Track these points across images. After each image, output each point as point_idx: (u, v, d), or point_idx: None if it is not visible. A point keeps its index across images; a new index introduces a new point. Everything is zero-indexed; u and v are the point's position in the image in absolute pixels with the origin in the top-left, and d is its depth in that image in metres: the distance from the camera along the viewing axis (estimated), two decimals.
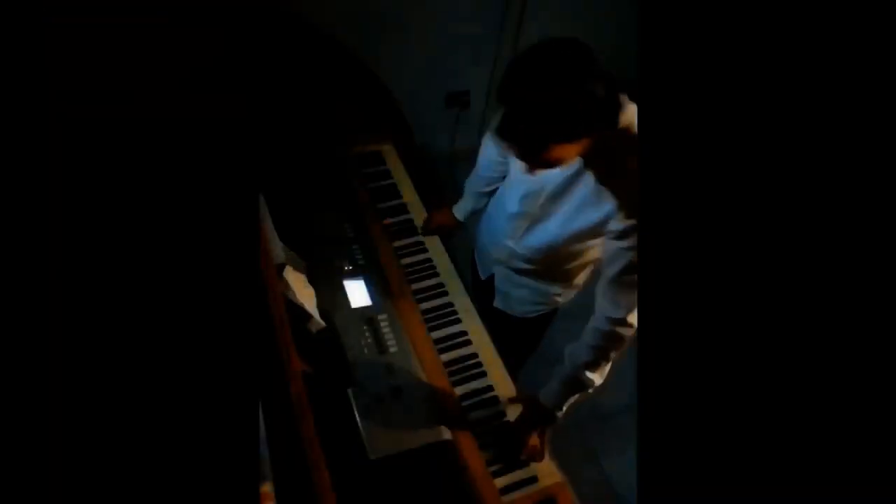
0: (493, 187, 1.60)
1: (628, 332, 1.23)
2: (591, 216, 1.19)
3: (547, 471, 1.35)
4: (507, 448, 1.37)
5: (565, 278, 1.47)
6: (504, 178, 1.52)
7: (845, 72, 0.57)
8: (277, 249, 1.37)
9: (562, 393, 1.32)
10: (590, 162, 1.15)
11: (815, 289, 0.59)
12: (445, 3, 2.38)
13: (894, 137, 0.56)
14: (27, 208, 0.59)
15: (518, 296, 1.53)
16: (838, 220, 0.58)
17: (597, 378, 1.29)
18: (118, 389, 0.60)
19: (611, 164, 1.13)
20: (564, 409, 1.35)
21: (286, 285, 1.35)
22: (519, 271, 1.46)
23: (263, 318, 1.14)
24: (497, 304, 1.59)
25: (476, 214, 1.69)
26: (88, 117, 0.62)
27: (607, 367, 1.30)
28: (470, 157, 1.66)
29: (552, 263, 1.40)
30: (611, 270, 1.21)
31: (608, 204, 1.15)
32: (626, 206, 1.12)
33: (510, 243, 1.42)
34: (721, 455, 0.62)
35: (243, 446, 0.66)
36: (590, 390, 1.31)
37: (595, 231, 1.21)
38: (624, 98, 1.08)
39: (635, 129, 1.10)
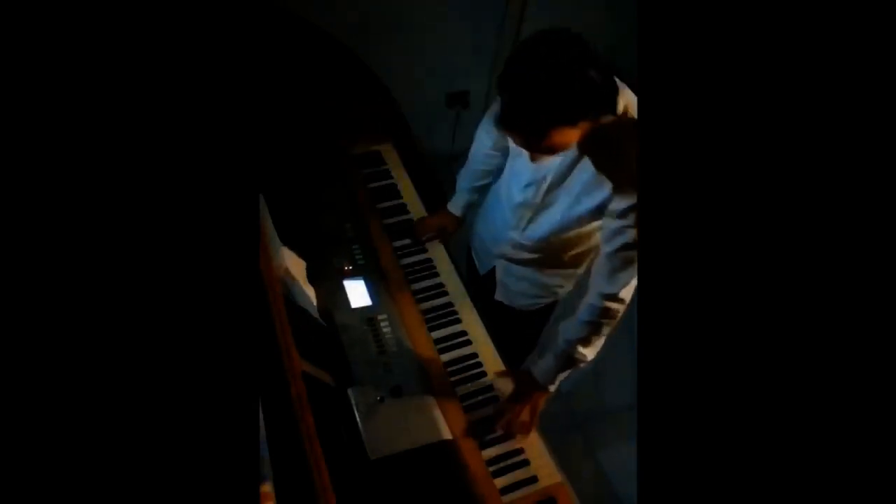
0: (485, 181, 1.61)
1: (621, 308, 1.27)
2: (594, 199, 1.22)
3: (547, 471, 1.35)
4: (498, 423, 1.38)
5: (568, 266, 1.49)
6: (497, 170, 1.54)
7: (845, 70, 0.58)
8: (277, 249, 1.37)
9: (555, 368, 1.35)
10: (588, 147, 1.18)
11: (815, 287, 0.59)
12: (445, 4, 2.38)
13: (894, 137, 0.56)
14: (27, 208, 0.59)
15: (519, 288, 1.54)
16: (839, 217, 0.58)
17: (589, 353, 1.33)
18: (118, 389, 0.60)
19: (609, 147, 1.16)
20: (557, 383, 1.38)
21: (291, 280, 1.35)
22: (522, 262, 1.48)
23: (263, 318, 1.14)
24: (498, 296, 1.60)
25: (472, 208, 1.70)
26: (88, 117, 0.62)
27: (600, 343, 1.33)
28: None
29: (556, 251, 1.42)
30: (608, 247, 1.24)
31: (608, 186, 1.18)
32: (626, 186, 1.16)
33: (514, 235, 1.43)
34: (721, 455, 0.62)
35: (243, 446, 0.66)
36: (582, 364, 1.34)
37: (597, 213, 1.25)
38: (620, 83, 1.12)
39: (631, 112, 1.14)
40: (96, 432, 0.59)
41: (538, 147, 1.08)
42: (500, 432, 1.38)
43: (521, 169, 1.34)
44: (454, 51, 2.51)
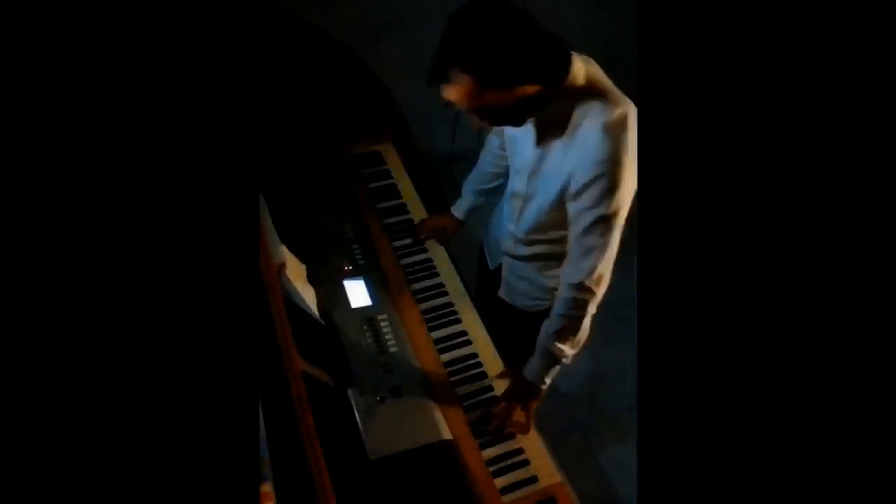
0: (494, 184, 1.61)
1: (588, 297, 1.26)
2: (559, 181, 1.22)
3: (547, 471, 1.35)
4: (494, 421, 1.38)
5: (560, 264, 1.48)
6: (505, 173, 1.54)
7: (845, 70, 0.57)
8: (277, 249, 1.37)
9: (540, 365, 1.35)
10: (549, 128, 1.19)
11: (815, 288, 0.59)
12: (445, 3, 2.38)
13: (894, 137, 0.56)
14: (27, 208, 0.59)
15: (521, 288, 1.55)
16: (838, 218, 0.58)
17: (567, 348, 1.31)
18: (118, 389, 0.60)
19: (562, 123, 1.17)
20: (547, 381, 1.38)
21: (288, 283, 1.35)
22: (521, 258, 1.48)
23: (263, 318, 1.14)
24: (501, 293, 1.60)
25: (476, 213, 1.70)
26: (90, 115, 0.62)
27: (577, 338, 1.32)
28: (470, 157, 1.66)
29: (550, 247, 1.42)
30: (572, 234, 1.24)
31: (568, 166, 1.18)
32: (582, 164, 1.15)
33: (511, 227, 1.43)
34: (721, 455, 0.62)
35: (243, 446, 0.66)
36: (564, 360, 1.34)
37: (564, 197, 1.23)
38: (577, 58, 1.14)
39: (586, 85, 1.15)
40: (96, 432, 0.59)
41: (472, 109, 1.12)
42: (490, 429, 1.37)
43: (515, 160, 1.36)
44: None
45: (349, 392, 1.34)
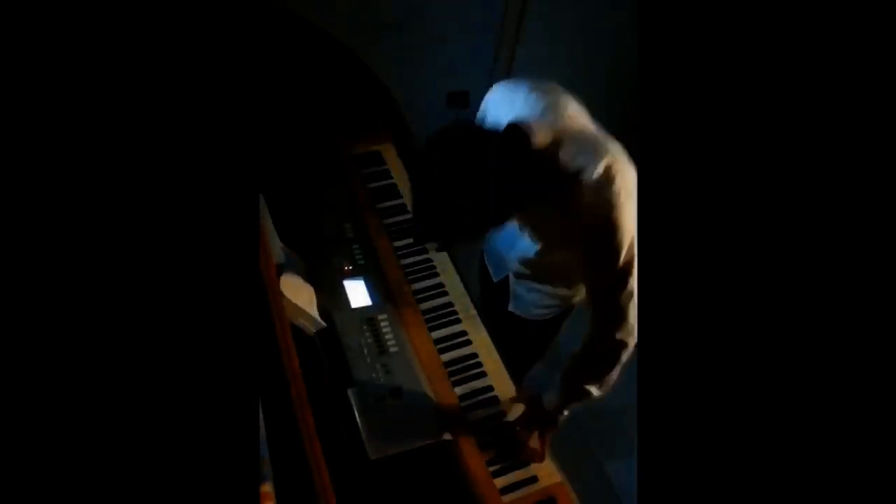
0: None
1: (621, 350, 1.21)
2: (556, 240, 1.21)
3: (547, 471, 1.35)
4: (508, 447, 1.36)
5: (576, 281, 1.46)
6: None
7: (845, 71, 0.57)
8: (277, 249, 1.37)
9: (563, 398, 1.31)
10: (525, 209, 1.17)
11: (815, 289, 0.59)
12: (445, 3, 2.38)
13: (894, 137, 0.56)
14: (27, 208, 0.59)
15: (532, 299, 1.52)
16: (838, 220, 0.58)
17: (595, 390, 1.27)
18: (118, 390, 0.60)
19: (542, 203, 1.14)
20: (566, 413, 1.34)
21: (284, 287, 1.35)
22: (528, 277, 1.46)
23: (263, 318, 1.14)
24: (512, 308, 1.57)
25: None
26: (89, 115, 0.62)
27: (609, 379, 1.27)
28: None
29: (557, 270, 1.40)
30: (591, 295, 1.22)
31: (563, 236, 1.17)
32: (579, 239, 1.12)
33: (514, 258, 1.42)
34: (721, 455, 0.62)
35: (243, 446, 0.66)
36: (588, 400, 1.29)
37: (564, 251, 1.22)
38: (539, 128, 1.09)
39: (551, 147, 1.09)
40: (96, 432, 0.59)
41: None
42: (524, 458, 1.35)
43: None
44: (454, 51, 2.51)
45: (349, 392, 1.34)
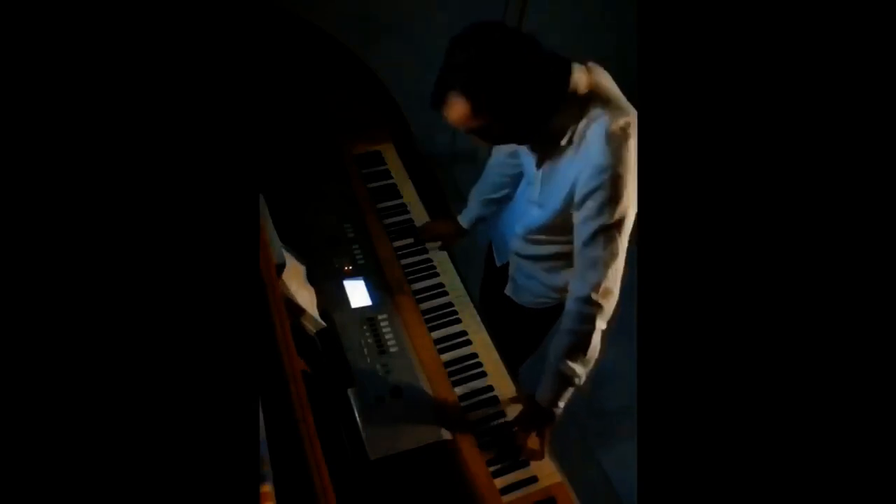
0: (501, 193, 1.60)
1: (595, 311, 1.23)
2: (564, 189, 1.22)
3: (547, 471, 1.35)
4: (508, 447, 1.36)
5: (571, 264, 1.47)
6: (514, 181, 1.53)
7: (845, 72, 0.57)
8: (277, 249, 1.37)
9: (551, 388, 1.32)
10: (547, 134, 1.20)
11: (815, 288, 0.59)
12: (446, 3, 2.38)
13: (894, 137, 0.56)
14: (27, 208, 0.59)
15: (528, 286, 1.54)
16: (838, 219, 0.58)
17: (578, 367, 1.27)
18: (118, 389, 0.60)
19: (566, 133, 1.18)
20: (561, 405, 1.34)
21: (285, 286, 1.35)
22: (529, 258, 1.47)
23: (263, 317, 1.14)
24: (507, 291, 1.60)
25: (481, 222, 1.69)
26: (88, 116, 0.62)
27: (588, 356, 1.28)
28: (470, 158, 1.66)
29: (555, 246, 1.41)
30: (577, 244, 1.23)
31: (572, 174, 1.19)
32: (584, 173, 1.15)
33: (520, 229, 1.44)
34: (721, 455, 0.62)
35: (243, 446, 0.66)
36: (577, 381, 1.29)
37: (568, 204, 1.23)
38: (578, 70, 1.15)
39: (590, 93, 1.16)
40: (96, 432, 0.59)
41: (441, 112, 1.13)
42: (510, 460, 1.35)
43: (527, 167, 1.37)
44: None
45: (349, 392, 1.34)
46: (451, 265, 1.66)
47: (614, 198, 1.13)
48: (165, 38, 0.65)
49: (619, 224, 1.15)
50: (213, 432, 0.63)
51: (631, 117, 1.13)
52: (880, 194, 0.56)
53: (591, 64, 1.19)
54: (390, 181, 1.82)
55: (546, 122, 1.16)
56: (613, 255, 1.18)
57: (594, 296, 1.21)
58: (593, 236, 1.17)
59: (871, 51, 0.56)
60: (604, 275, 1.19)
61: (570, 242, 1.40)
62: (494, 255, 1.69)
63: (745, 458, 0.61)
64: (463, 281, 1.64)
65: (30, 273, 0.59)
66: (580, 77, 1.15)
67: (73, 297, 0.60)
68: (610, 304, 1.23)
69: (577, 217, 1.20)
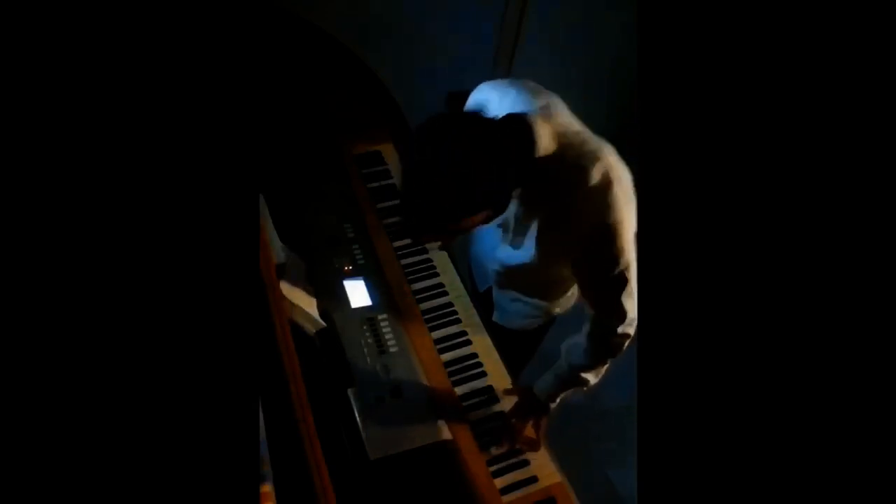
0: None
1: (623, 341, 1.22)
2: (550, 251, 1.18)
3: (547, 471, 1.35)
4: (504, 438, 1.37)
5: (557, 295, 1.45)
6: None
7: (845, 72, 0.57)
8: (277, 249, 1.37)
9: (557, 387, 1.33)
10: (526, 202, 1.14)
11: (815, 289, 0.59)
12: (446, 3, 2.38)
13: (894, 137, 0.56)
14: (27, 208, 0.59)
15: (514, 310, 1.51)
16: (838, 219, 0.58)
17: (592, 377, 1.30)
18: (118, 389, 0.60)
19: (544, 199, 1.12)
20: (558, 400, 1.37)
21: (285, 286, 1.35)
22: (511, 287, 1.44)
23: (263, 317, 1.14)
24: (496, 318, 1.57)
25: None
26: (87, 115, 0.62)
27: (604, 368, 1.31)
28: None
29: (539, 280, 1.38)
30: (588, 296, 1.21)
31: (559, 239, 1.14)
32: (577, 240, 1.11)
33: (496, 266, 1.38)
34: (721, 456, 0.62)
35: (243, 446, 0.66)
36: (585, 389, 1.32)
37: (553, 259, 1.20)
38: (538, 124, 1.06)
39: (558, 150, 1.07)
40: (96, 432, 0.59)
41: (451, 236, 1.09)
42: (503, 450, 1.36)
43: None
44: (454, 51, 2.51)
45: (349, 392, 1.35)
46: (451, 265, 1.66)
47: (618, 252, 1.09)
48: (165, 37, 0.65)
49: (629, 265, 1.11)
50: (213, 432, 0.63)
51: (603, 157, 1.07)
52: (880, 195, 0.56)
53: (546, 108, 1.11)
54: (390, 181, 1.82)
55: (519, 183, 1.08)
56: (631, 293, 1.15)
57: (621, 329, 1.20)
58: (607, 289, 1.15)
59: (871, 51, 0.56)
60: (627, 311, 1.17)
61: (550, 277, 1.36)
62: (476, 281, 1.65)
63: (745, 457, 0.61)
64: (463, 281, 1.64)
65: (30, 273, 0.59)
66: (544, 136, 1.06)
67: (73, 296, 0.60)
68: (634, 327, 1.20)
69: (582, 275, 1.18)
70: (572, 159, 1.07)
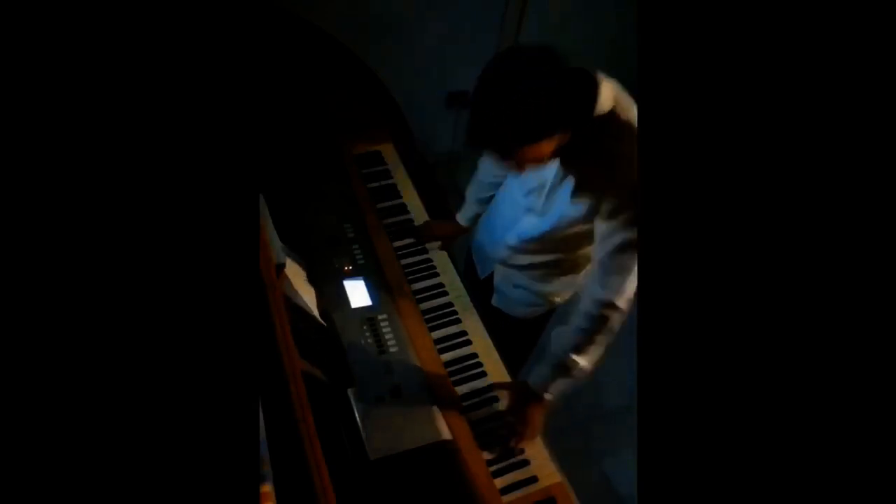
0: (493, 192, 1.60)
1: (615, 315, 1.24)
2: (584, 202, 1.21)
3: (547, 471, 1.35)
4: (500, 433, 1.37)
5: (565, 272, 1.47)
6: (505, 181, 1.53)
7: (845, 71, 0.57)
8: (277, 249, 1.37)
9: (549, 376, 1.32)
10: (575, 151, 1.17)
11: (815, 288, 0.59)
12: (445, 3, 2.38)
13: (894, 137, 0.56)
14: (27, 208, 0.59)
15: (516, 296, 1.53)
16: (838, 218, 0.58)
17: (583, 361, 1.29)
18: (118, 389, 0.60)
19: (594, 151, 1.16)
20: (552, 391, 1.35)
21: (288, 284, 1.35)
22: (519, 267, 1.47)
23: (263, 317, 1.14)
24: (495, 302, 1.59)
25: (480, 219, 1.70)
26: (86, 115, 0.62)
27: (596, 352, 1.29)
28: (470, 158, 1.66)
29: (553, 255, 1.41)
30: (600, 251, 1.22)
31: (598, 188, 1.17)
32: (616, 186, 1.14)
33: (511, 239, 1.42)
34: (721, 455, 0.62)
35: (243, 446, 0.66)
36: (576, 373, 1.30)
37: (588, 216, 1.23)
38: (603, 82, 1.12)
39: (619, 110, 1.13)
40: (96, 432, 0.59)
41: (512, 162, 1.09)
42: (502, 451, 1.36)
43: (528, 177, 1.33)
44: (454, 51, 2.51)
45: (349, 392, 1.34)
46: (451, 265, 1.66)
47: None
48: (165, 37, 0.65)
49: None
50: (213, 432, 0.63)
51: None
52: (880, 195, 0.56)
53: (603, 76, 1.17)
54: (390, 181, 1.82)
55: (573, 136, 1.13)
56: (635, 258, 1.18)
57: (618, 301, 1.22)
58: (624, 246, 1.17)
59: (871, 51, 0.56)
60: (630, 282, 1.20)
61: (565, 251, 1.40)
62: (476, 266, 1.68)
63: (745, 457, 0.61)
64: (463, 281, 1.64)
65: (30, 273, 0.59)
66: (605, 94, 1.12)
67: (73, 296, 0.60)
68: (626, 307, 1.23)
69: (605, 227, 1.19)
70: (624, 117, 1.12)
